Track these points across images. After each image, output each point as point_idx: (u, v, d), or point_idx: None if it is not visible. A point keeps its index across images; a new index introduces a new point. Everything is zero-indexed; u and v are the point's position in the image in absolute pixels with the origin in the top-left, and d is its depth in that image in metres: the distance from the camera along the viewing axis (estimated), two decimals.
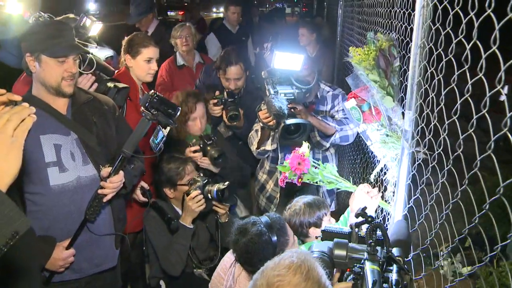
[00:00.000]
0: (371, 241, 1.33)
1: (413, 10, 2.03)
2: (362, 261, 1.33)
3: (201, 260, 2.89)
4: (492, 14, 1.16)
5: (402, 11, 2.25)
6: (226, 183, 2.70)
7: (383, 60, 2.14)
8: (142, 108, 2.13)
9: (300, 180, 2.24)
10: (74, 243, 2.19)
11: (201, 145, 3.02)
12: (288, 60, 2.59)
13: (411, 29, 2.00)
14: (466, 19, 1.32)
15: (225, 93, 3.33)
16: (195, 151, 3.02)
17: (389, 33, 2.29)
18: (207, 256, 2.95)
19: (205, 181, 2.72)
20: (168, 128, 2.26)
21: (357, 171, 3.48)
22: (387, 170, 2.35)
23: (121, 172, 2.18)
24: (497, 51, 1.13)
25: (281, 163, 3.30)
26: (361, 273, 1.29)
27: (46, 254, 2.12)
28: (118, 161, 2.13)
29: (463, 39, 1.33)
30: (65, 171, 2.18)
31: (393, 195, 2.23)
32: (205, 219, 2.94)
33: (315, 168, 2.24)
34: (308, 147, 2.25)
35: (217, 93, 3.35)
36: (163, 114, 2.15)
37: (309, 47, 5.05)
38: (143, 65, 3.03)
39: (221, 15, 14.70)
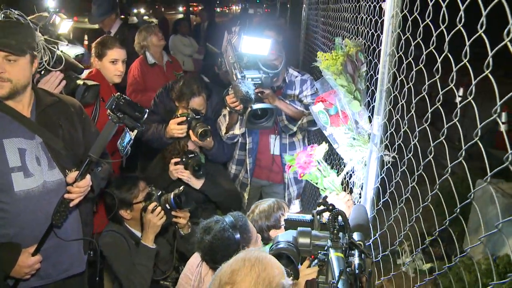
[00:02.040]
0: (333, 228, 1.38)
1: (380, 16, 2.11)
2: (326, 248, 1.38)
3: (164, 271, 2.86)
4: (463, 29, 1.22)
5: (368, 18, 2.32)
6: (182, 187, 2.69)
7: (350, 65, 2.19)
8: (108, 111, 2.10)
9: (301, 175, 2.33)
10: (41, 249, 2.12)
11: (183, 159, 3.01)
12: (255, 44, 2.60)
13: (378, 35, 2.07)
14: (437, 32, 1.38)
15: (189, 111, 3.15)
16: (176, 163, 3.00)
17: (356, 39, 2.34)
18: (169, 267, 2.91)
19: (160, 193, 2.71)
20: (136, 131, 2.23)
21: None
22: (353, 172, 2.41)
23: (88, 176, 2.13)
24: (468, 64, 1.19)
25: (250, 147, 3.36)
26: (326, 259, 1.35)
27: (10, 262, 2.05)
28: (84, 165, 2.08)
29: (433, 50, 1.39)
30: (30, 176, 2.11)
31: (360, 197, 2.29)
32: (164, 233, 2.89)
33: (319, 171, 2.29)
34: (325, 150, 2.30)
35: (180, 111, 3.20)
36: (130, 117, 2.12)
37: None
38: (109, 66, 3.03)
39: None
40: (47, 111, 2.22)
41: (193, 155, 2.99)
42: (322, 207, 1.54)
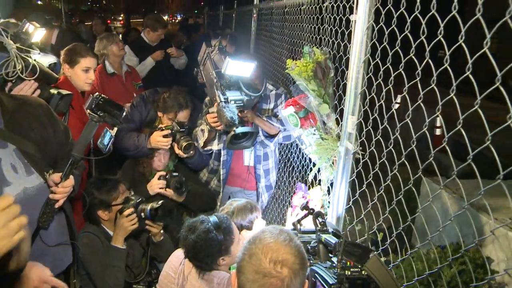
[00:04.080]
0: (321, 220, 1.77)
1: (340, 27, 2.34)
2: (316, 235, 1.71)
3: (137, 275, 2.91)
4: (425, 41, 1.44)
5: (329, 28, 2.55)
6: (160, 202, 2.77)
7: (320, 72, 2.39)
8: (88, 111, 2.15)
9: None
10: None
11: (167, 177, 3.07)
12: (239, 67, 2.70)
13: (338, 43, 2.29)
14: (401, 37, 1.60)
15: (174, 124, 3.21)
16: (160, 177, 3.07)
17: (322, 48, 2.56)
18: (142, 271, 2.97)
19: (139, 200, 2.76)
20: (116, 129, 2.30)
21: (295, 173, 3.70)
22: (320, 171, 2.61)
23: (71, 176, 2.16)
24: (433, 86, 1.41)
25: (224, 159, 3.46)
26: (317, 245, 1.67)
27: None
28: (68, 165, 2.11)
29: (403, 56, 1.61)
30: (9, 185, 2.06)
31: (328, 195, 2.49)
32: (138, 237, 2.96)
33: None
34: (322, 196, 2.51)
35: (165, 122, 3.25)
36: (110, 115, 2.18)
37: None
38: (80, 74, 3.03)
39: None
40: (15, 116, 2.17)
41: (176, 174, 3.07)
42: (305, 211, 1.86)
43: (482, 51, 1.12)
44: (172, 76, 6.01)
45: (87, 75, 3.07)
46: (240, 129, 2.68)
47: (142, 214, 2.72)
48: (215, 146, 3.28)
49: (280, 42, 4.19)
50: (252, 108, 3.16)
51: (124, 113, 2.26)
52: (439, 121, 6.66)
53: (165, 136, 3.14)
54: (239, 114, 2.80)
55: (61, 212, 2.31)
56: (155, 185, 3.10)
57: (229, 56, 2.74)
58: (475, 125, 1.34)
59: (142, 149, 3.20)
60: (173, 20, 40.22)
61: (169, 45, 6.04)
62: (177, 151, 3.17)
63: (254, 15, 5.88)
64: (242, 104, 2.83)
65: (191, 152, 3.17)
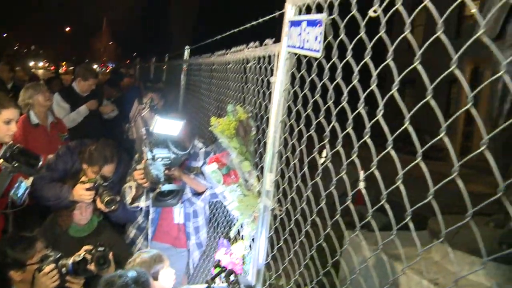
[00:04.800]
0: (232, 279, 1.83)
1: (262, 87, 2.46)
2: None
3: None
4: (332, 106, 1.56)
5: (252, 87, 2.66)
6: (82, 255, 2.65)
7: (242, 130, 2.47)
8: (2, 160, 2.06)
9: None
10: None
11: (92, 251, 2.94)
12: (168, 126, 2.74)
13: (266, 105, 2.39)
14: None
15: (98, 177, 3.14)
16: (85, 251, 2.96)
17: (245, 106, 2.65)
18: None
19: (58, 256, 2.62)
20: (31, 179, 2.21)
21: (220, 228, 3.69)
22: (243, 227, 2.64)
23: None
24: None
25: (152, 217, 3.42)
26: None
27: None
28: None
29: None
30: None
31: (250, 249, 2.51)
32: None
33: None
34: (244, 252, 2.51)
35: (89, 175, 3.17)
36: (25, 164, 2.11)
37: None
38: (1, 126, 2.86)
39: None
40: None
41: (102, 248, 2.96)
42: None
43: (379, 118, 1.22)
44: (101, 126, 5.89)
45: (9, 126, 2.90)
46: (165, 187, 2.70)
47: (64, 269, 2.57)
48: (142, 203, 3.24)
49: (208, 98, 4.29)
50: (180, 166, 3.17)
51: (41, 163, 2.19)
52: (362, 175, 7.01)
53: (88, 189, 3.07)
54: (166, 171, 2.82)
55: None
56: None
57: (158, 115, 2.79)
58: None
59: (64, 201, 3.09)
60: (104, 69, 39.81)
61: (101, 96, 5.97)
62: (99, 205, 3.09)
63: (184, 69, 6.01)
64: (169, 162, 2.86)
65: (113, 207, 3.09)
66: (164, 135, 2.83)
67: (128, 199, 3.20)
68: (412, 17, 1.10)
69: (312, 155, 1.70)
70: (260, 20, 2.77)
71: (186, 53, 6.17)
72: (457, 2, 0.96)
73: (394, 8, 1.15)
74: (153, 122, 2.70)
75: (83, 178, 3.17)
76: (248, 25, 2.99)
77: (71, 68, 15.96)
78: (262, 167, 2.31)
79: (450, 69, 0.96)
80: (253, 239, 2.45)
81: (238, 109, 2.56)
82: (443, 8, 0.95)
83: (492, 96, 3.12)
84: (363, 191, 1.58)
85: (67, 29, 59.73)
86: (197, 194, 3.33)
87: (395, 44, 1.17)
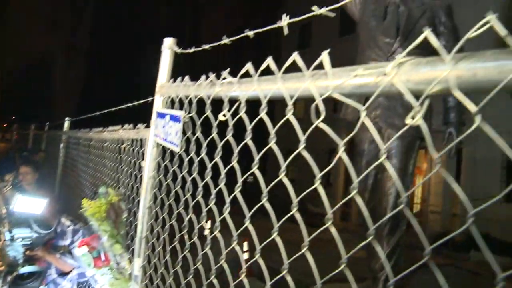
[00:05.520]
0: None
1: (135, 169, 2.50)
2: None
3: None
4: (189, 198, 1.67)
5: (126, 168, 2.70)
6: None
7: (113, 213, 2.46)
8: None
9: None
10: None
11: None
12: (30, 204, 2.63)
13: (137, 188, 2.43)
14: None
15: None
16: None
17: (118, 188, 2.66)
18: None
19: None
20: None
21: None
22: None
23: None
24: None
25: None
26: None
27: None
28: None
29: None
30: None
31: None
32: None
33: None
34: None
35: None
36: None
37: (30, 187, 4.97)
38: None
39: None
40: None
41: None
42: None
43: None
44: None
45: None
46: (24, 269, 2.56)
47: None
48: None
49: (85, 174, 4.18)
50: (44, 245, 3.01)
51: None
52: (246, 245, 7.11)
53: None
54: (28, 252, 2.66)
55: None
56: None
57: (20, 193, 2.68)
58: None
59: None
60: None
61: None
62: None
63: (64, 140, 5.81)
64: (30, 242, 2.74)
65: None
66: (26, 213, 2.72)
67: None
68: (252, 124, 1.27)
69: (173, 244, 1.77)
70: (135, 103, 2.87)
71: (67, 124, 6.01)
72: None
73: (238, 116, 1.32)
74: (14, 200, 2.59)
75: None
76: (124, 106, 3.07)
77: None
78: (133, 250, 2.31)
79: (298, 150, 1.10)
80: None
81: (110, 191, 2.56)
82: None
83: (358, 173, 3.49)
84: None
85: None
86: (64, 274, 3.16)
87: (239, 147, 1.32)
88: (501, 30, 0.64)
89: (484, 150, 10.46)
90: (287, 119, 1.10)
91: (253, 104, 1.30)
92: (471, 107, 0.68)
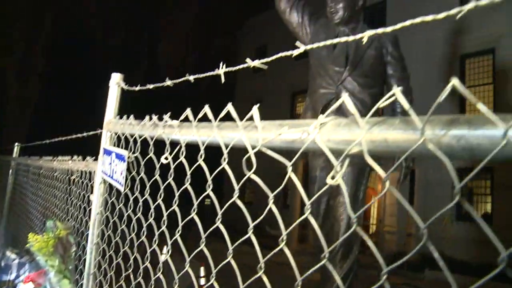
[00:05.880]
0: None
1: (84, 202, 2.48)
2: None
3: None
4: (134, 238, 1.69)
5: (75, 201, 2.67)
6: None
7: (61, 247, 2.43)
8: None
9: None
10: None
11: None
12: None
13: (86, 221, 2.41)
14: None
15: None
16: None
17: (67, 221, 2.62)
18: None
19: None
20: None
21: None
22: None
23: None
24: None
25: None
26: None
27: None
28: None
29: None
30: None
31: None
32: None
33: None
34: None
35: None
36: None
37: None
38: None
39: None
40: None
41: None
42: None
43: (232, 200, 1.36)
44: None
45: None
46: None
47: None
48: None
49: (34, 203, 4.07)
50: None
51: None
52: (202, 270, 7.06)
53: None
54: None
55: None
56: None
57: None
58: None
59: None
60: None
61: None
62: None
63: (13, 167, 5.63)
64: None
65: None
66: None
67: None
68: (191, 170, 1.31)
69: (119, 283, 1.77)
70: (85, 134, 2.85)
71: (16, 149, 5.83)
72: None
73: (179, 160, 1.36)
74: None
75: None
76: (73, 136, 3.04)
77: None
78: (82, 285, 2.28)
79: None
80: None
81: (59, 224, 2.52)
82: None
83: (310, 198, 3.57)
84: None
85: None
86: None
87: (180, 190, 1.36)
88: (405, 104, 0.70)
89: (436, 172, 10.91)
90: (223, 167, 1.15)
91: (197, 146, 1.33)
92: (381, 172, 0.74)
